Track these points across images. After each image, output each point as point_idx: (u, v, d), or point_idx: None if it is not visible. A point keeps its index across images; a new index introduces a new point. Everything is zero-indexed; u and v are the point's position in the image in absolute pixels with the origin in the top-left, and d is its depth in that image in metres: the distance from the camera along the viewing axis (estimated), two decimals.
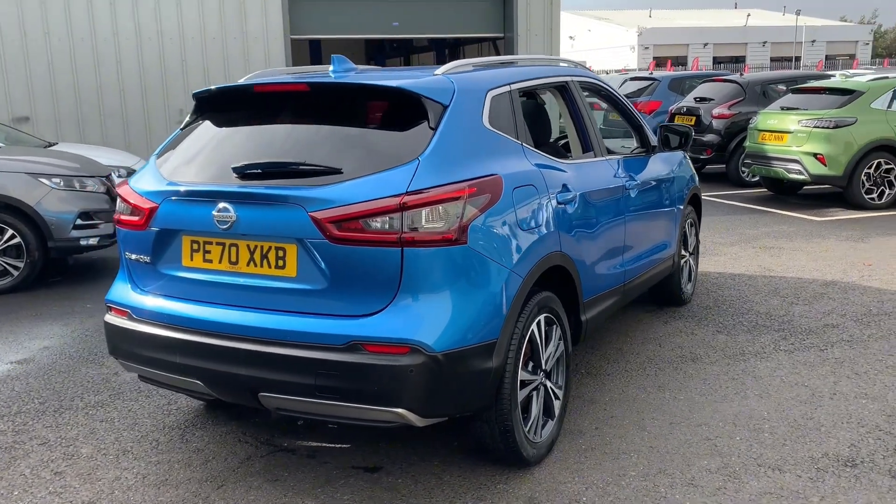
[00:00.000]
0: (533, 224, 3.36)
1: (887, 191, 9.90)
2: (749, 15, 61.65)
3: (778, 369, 4.55)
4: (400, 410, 2.90)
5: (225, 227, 3.08)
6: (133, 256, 3.44)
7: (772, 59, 55.42)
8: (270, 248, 3.06)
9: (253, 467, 3.56)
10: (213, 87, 3.55)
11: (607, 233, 4.15)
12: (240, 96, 3.55)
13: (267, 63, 14.52)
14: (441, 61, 21.63)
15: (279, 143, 3.26)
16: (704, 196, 8.98)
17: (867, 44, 61.79)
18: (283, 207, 2.99)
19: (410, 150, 3.03)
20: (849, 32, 61.55)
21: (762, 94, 12.50)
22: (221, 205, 3.08)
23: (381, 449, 3.67)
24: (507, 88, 3.60)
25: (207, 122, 3.55)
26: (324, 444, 3.75)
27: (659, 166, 5.11)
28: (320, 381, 2.92)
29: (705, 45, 53.93)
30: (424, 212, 2.87)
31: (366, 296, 2.93)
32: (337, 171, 3.00)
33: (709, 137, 12.33)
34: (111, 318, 3.52)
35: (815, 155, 9.86)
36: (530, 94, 4.62)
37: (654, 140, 5.19)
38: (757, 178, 11.73)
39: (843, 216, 9.51)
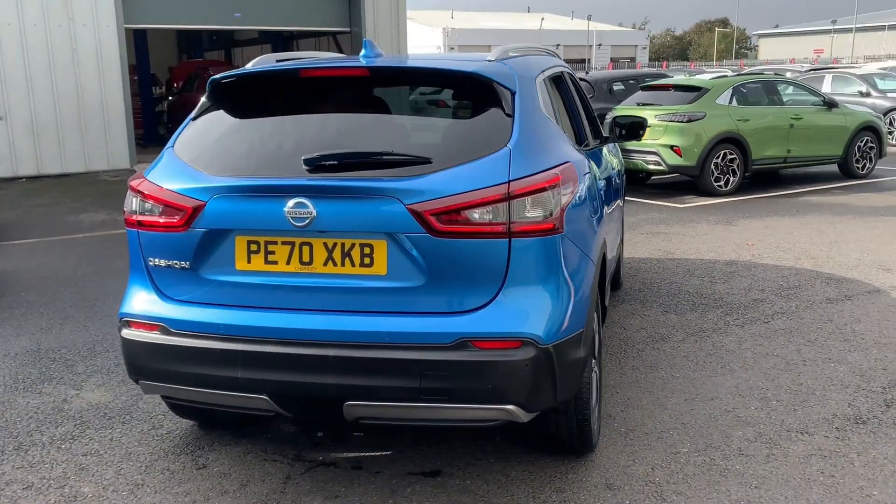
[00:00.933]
0: (594, 211, 3.38)
1: (732, 178, 10.92)
2: (543, 19, 65.32)
3: (742, 342, 4.89)
4: (510, 407, 2.80)
5: (302, 224, 2.80)
6: (162, 262, 3.03)
7: (565, 61, 59.01)
8: (354, 245, 2.82)
9: (301, 486, 3.27)
10: (238, 72, 3.22)
11: (612, 219, 4.26)
12: (276, 82, 3.24)
13: (99, 55, 13.32)
14: None
15: (344, 133, 3.01)
16: None
17: (644, 48, 67.74)
18: (375, 201, 2.77)
19: (494, 137, 2.93)
20: (629, 37, 67.11)
21: (608, 91, 13.32)
22: (296, 200, 2.79)
23: (427, 453, 3.52)
24: (543, 76, 3.58)
25: (235, 110, 3.21)
26: (364, 454, 3.53)
27: (613, 155, 5.30)
28: (426, 384, 2.74)
29: None
30: (528, 200, 2.79)
31: (468, 290, 2.79)
32: (425, 161, 2.83)
33: None
34: (133, 335, 3.08)
35: (671, 147, 10.66)
36: None
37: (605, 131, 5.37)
38: None
39: (700, 202, 10.36)
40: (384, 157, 2.86)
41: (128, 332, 3.10)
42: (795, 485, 3.20)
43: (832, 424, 3.74)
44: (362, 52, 3.43)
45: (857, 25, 61.02)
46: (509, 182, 2.77)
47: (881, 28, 62.09)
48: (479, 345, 2.75)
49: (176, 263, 3.00)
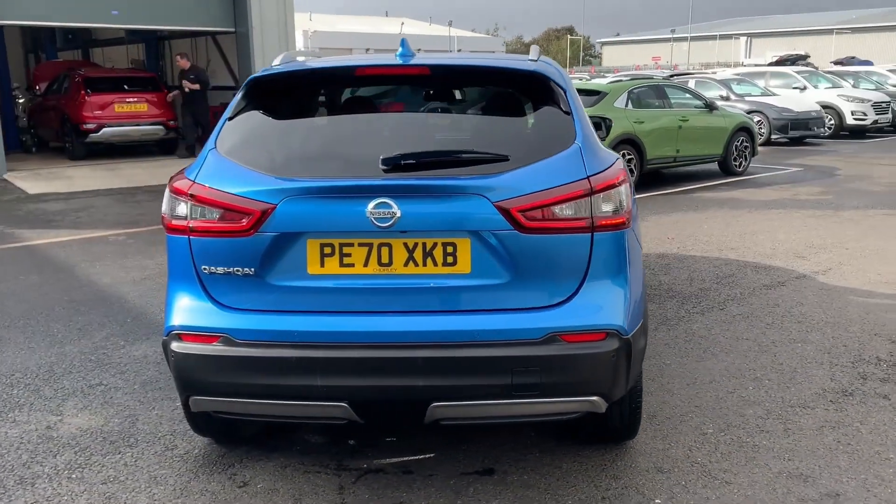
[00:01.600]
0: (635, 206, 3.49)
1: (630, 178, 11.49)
2: (403, 23, 65.67)
3: (711, 329, 5.19)
4: (594, 398, 2.86)
5: (385, 224, 2.74)
6: (220, 270, 2.86)
7: None
8: (436, 244, 2.79)
9: (359, 495, 3.18)
10: (283, 70, 3.09)
11: None
12: (326, 81, 3.13)
13: None
14: (151, 54, 19.68)
15: (410, 132, 2.97)
16: None
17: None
18: (459, 199, 2.76)
19: (560, 134, 2.98)
20: (487, 44, 68.62)
21: None
22: (379, 200, 2.73)
23: (471, 452, 3.51)
24: None
25: (282, 110, 3.09)
26: (407, 458, 3.47)
27: None
28: (518, 380, 2.75)
29: (367, 49, 56.33)
30: (603, 196, 2.86)
31: (552, 285, 2.83)
32: (503, 158, 2.85)
33: None
34: (187, 348, 2.88)
35: None
36: None
37: None
38: None
39: None
40: (463, 156, 2.85)
41: (180, 346, 2.90)
42: (822, 454, 3.46)
43: (825, 398, 4.06)
44: (399, 50, 3.37)
45: (692, 35, 65.62)
46: (588, 178, 2.84)
47: (713, 38, 67.13)
48: (567, 338, 2.79)
49: (238, 270, 2.84)
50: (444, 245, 2.79)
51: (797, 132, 17.63)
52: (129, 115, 14.38)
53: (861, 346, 4.80)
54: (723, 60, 58.68)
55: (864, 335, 5.00)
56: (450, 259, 2.79)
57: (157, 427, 3.83)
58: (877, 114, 19.44)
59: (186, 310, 2.93)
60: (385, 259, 2.80)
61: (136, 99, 14.46)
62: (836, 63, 27.13)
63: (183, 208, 2.92)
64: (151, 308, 5.84)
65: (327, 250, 2.81)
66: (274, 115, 3.09)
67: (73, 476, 3.38)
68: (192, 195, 2.89)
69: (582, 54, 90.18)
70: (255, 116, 3.09)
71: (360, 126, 3.05)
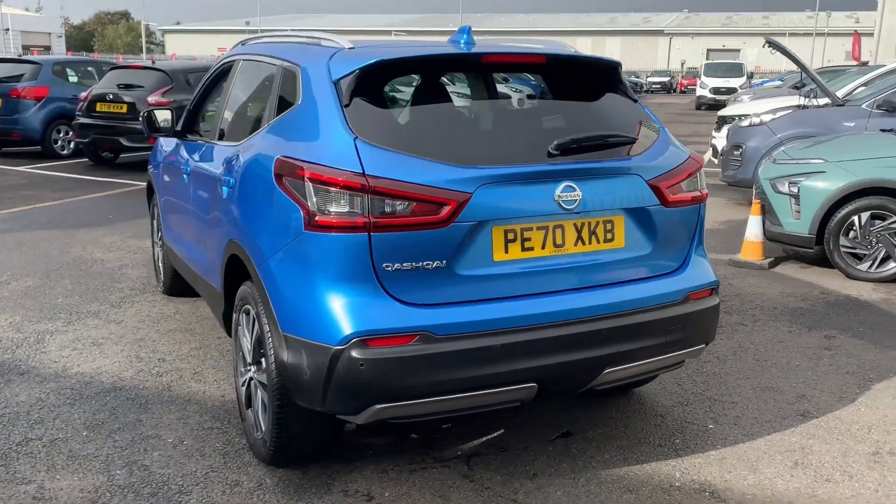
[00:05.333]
0: None
1: None
2: None
3: None
4: (702, 346, 3.34)
5: (570, 207, 2.86)
6: (406, 265, 2.68)
7: None
8: (598, 222, 2.99)
9: (491, 477, 3.20)
10: (405, 56, 2.93)
11: None
12: (449, 66, 3.02)
13: None
14: None
15: (549, 117, 3.05)
16: None
17: (60, 36, 62.73)
18: (620, 179, 3.00)
19: (645, 119, 3.35)
20: (43, 24, 61.34)
21: (186, 81, 12.83)
22: (566, 184, 2.84)
23: (533, 423, 3.71)
24: None
25: (409, 96, 2.93)
26: (489, 437, 3.54)
27: None
28: (670, 337, 3.11)
29: None
30: (700, 174, 3.34)
31: (678, 252, 3.24)
32: (634, 141, 3.14)
33: None
34: (379, 354, 2.63)
35: None
36: None
37: None
38: None
39: None
40: (607, 139, 3.08)
41: (367, 353, 2.62)
42: (766, 370, 4.41)
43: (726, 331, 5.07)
44: (463, 37, 3.34)
45: (263, 28, 67.04)
46: (692, 157, 3.29)
47: (286, 31, 69.38)
48: (694, 297, 3.23)
49: (428, 264, 2.69)
50: (605, 223, 3.00)
51: None
52: None
53: None
54: None
55: None
56: (609, 235, 3.02)
57: (183, 468, 3.25)
58: None
59: (368, 313, 2.66)
60: (559, 240, 2.91)
61: None
62: None
63: (349, 203, 2.63)
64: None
65: (510, 236, 2.82)
66: (407, 101, 2.92)
67: None
68: (371, 188, 2.62)
69: (144, 41, 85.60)
70: (385, 103, 2.88)
71: (500, 113, 3.04)
